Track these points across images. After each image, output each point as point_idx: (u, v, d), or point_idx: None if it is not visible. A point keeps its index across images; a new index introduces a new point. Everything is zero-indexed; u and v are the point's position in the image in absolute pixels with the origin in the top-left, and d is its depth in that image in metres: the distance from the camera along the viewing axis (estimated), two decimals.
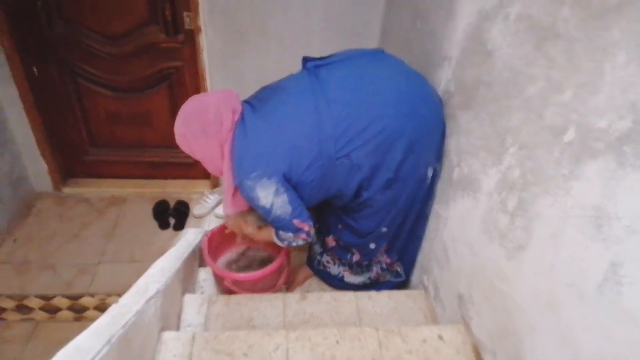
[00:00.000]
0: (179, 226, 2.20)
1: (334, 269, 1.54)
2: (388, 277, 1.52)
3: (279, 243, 1.30)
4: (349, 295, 1.41)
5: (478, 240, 1.06)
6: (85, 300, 1.79)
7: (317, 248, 1.58)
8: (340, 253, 1.49)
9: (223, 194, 1.27)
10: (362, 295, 1.42)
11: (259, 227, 1.39)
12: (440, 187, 1.30)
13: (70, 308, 1.76)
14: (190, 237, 1.65)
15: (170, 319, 1.22)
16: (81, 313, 1.75)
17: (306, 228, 1.23)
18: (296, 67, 1.28)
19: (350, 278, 1.53)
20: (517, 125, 0.89)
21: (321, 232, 1.53)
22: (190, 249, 1.49)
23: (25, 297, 1.78)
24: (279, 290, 1.56)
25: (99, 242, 2.08)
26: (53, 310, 1.75)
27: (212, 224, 2.22)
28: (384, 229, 1.33)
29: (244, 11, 1.86)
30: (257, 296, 1.39)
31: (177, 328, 1.28)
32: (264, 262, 1.68)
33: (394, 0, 1.80)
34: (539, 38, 0.81)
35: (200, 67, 1.98)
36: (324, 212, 1.48)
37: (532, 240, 0.84)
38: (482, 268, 1.04)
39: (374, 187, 1.21)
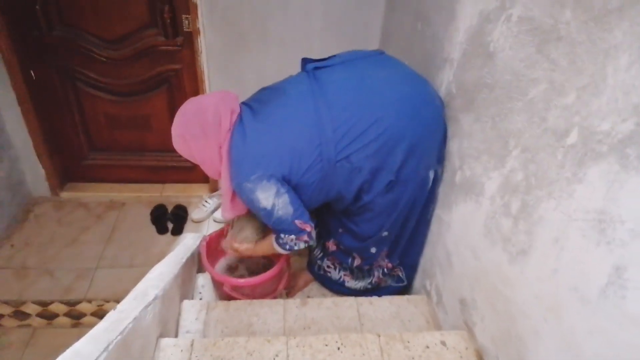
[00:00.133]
0: (177, 231, 2.18)
1: (335, 274, 1.53)
2: (389, 282, 1.51)
3: (279, 250, 1.28)
4: (350, 300, 1.40)
5: (481, 244, 1.05)
6: (83, 307, 1.78)
7: (318, 252, 1.56)
8: (341, 257, 1.48)
9: (222, 198, 1.26)
10: (364, 300, 1.40)
11: (255, 242, 1.38)
12: (442, 191, 1.29)
13: (67, 314, 1.75)
14: (189, 242, 1.64)
15: (168, 325, 1.20)
16: (79, 319, 1.74)
17: (308, 229, 1.21)
18: (296, 69, 1.27)
19: (351, 283, 1.52)
20: (519, 128, 0.89)
21: (322, 236, 1.52)
22: (188, 254, 1.48)
23: (23, 302, 1.77)
24: (279, 295, 1.55)
25: (97, 247, 2.06)
26: (50, 317, 1.74)
27: (210, 228, 2.20)
28: (384, 233, 1.32)
29: (244, 13, 1.86)
30: (256, 302, 1.37)
31: (176, 334, 1.27)
32: (263, 267, 1.67)
33: (394, 2, 1.80)
34: (541, 40, 0.81)
35: (199, 70, 1.98)
36: (324, 215, 1.47)
37: (535, 244, 0.83)
38: (485, 272, 1.03)
39: (375, 190, 1.21)
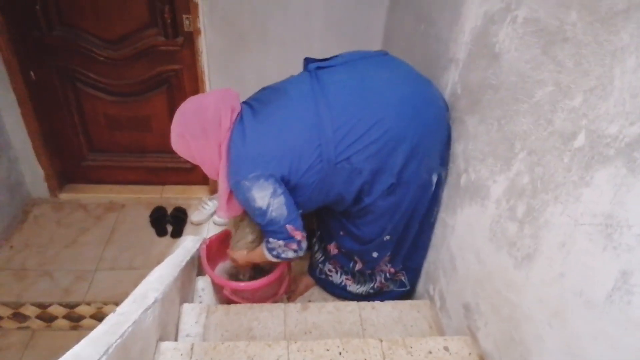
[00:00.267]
0: (177, 233, 2.16)
1: (337, 278, 1.52)
2: (392, 286, 1.50)
3: (268, 256, 1.26)
4: (352, 305, 1.39)
5: (486, 248, 1.04)
6: (82, 309, 1.77)
7: (319, 256, 1.55)
8: (343, 261, 1.46)
9: (218, 197, 1.24)
10: (366, 305, 1.39)
11: (248, 250, 1.37)
12: (447, 194, 1.28)
13: (66, 317, 1.74)
14: (189, 244, 1.63)
15: (168, 328, 1.19)
16: (77, 322, 1.73)
17: (298, 237, 1.19)
18: (297, 70, 1.26)
19: (353, 287, 1.50)
20: (525, 131, 0.88)
21: (323, 238, 1.51)
22: (188, 257, 1.47)
23: (22, 304, 1.76)
24: (280, 299, 1.53)
25: (96, 248, 2.05)
26: (49, 319, 1.73)
27: (210, 231, 2.19)
28: (386, 237, 1.31)
29: (244, 13, 1.86)
30: (257, 306, 1.36)
31: (175, 338, 1.26)
32: (264, 271, 1.65)
33: (396, 3, 1.79)
34: (547, 42, 0.80)
35: (200, 70, 1.98)
36: (326, 217, 1.46)
37: (541, 248, 0.82)
38: (490, 277, 1.02)
39: (376, 193, 1.19)
